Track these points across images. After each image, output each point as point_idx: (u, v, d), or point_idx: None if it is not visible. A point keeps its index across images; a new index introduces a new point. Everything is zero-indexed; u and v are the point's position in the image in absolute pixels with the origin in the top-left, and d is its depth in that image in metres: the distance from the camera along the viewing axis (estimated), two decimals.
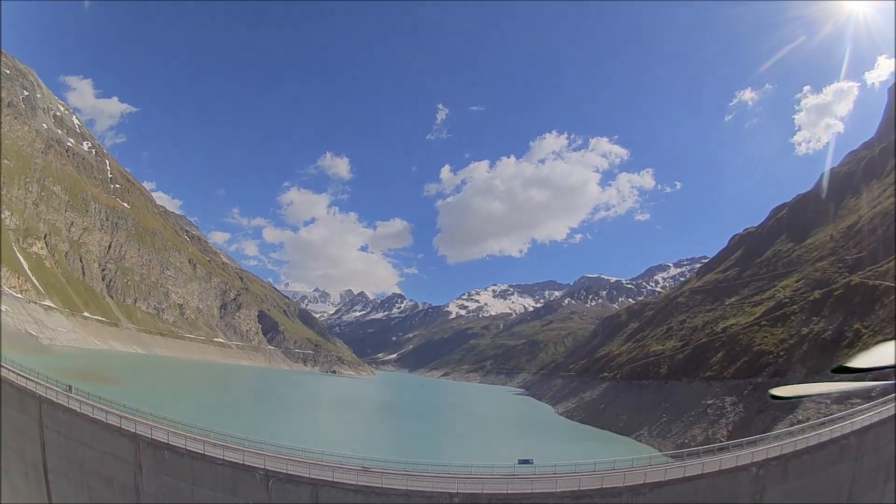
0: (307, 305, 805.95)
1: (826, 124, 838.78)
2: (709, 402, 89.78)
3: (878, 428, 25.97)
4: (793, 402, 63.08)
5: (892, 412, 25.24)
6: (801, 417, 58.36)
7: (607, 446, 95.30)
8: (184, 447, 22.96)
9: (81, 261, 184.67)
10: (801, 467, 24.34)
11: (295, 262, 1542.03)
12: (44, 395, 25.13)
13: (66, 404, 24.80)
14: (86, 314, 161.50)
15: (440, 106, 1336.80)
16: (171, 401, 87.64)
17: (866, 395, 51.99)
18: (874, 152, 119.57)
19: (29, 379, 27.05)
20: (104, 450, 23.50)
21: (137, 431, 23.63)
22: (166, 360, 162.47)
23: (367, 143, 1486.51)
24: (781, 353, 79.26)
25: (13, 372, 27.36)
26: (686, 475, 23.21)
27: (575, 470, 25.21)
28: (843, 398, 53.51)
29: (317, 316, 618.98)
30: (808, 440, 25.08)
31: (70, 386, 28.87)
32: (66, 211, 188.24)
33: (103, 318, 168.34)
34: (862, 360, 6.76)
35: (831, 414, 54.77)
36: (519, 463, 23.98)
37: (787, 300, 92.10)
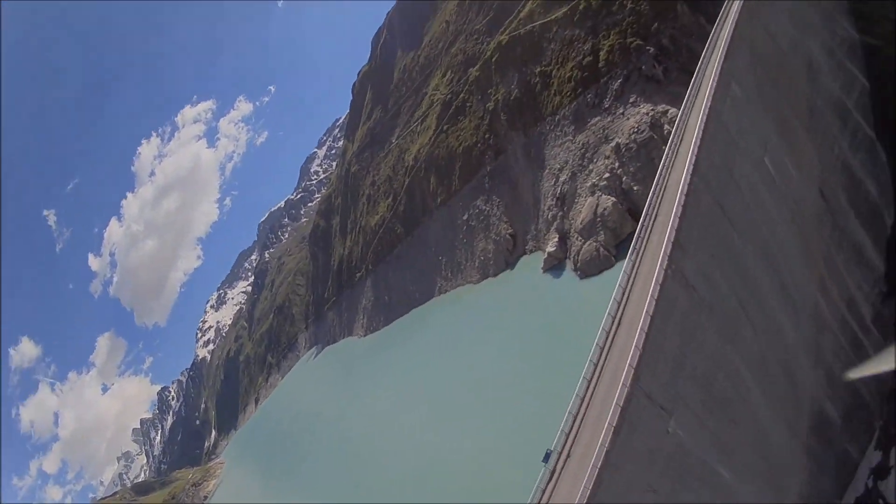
0: None
1: None
2: (464, 217, 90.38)
3: None
4: (541, 161, 66.80)
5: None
6: (556, 167, 62.11)
7: (428, 317, 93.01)
8: None
9: None
10: None
11: None
12: None
13: None
14: None
15: None
16: None
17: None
18: None
19: None
20: None
21: None
22: None
23: None
24: (487, 138, 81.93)
25: None
26: None
27: None
28: (579, 129, 57.27)
29: None
30: None
31: None
32: None
33: None
34: None
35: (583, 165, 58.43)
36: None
37: (451, 95, 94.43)
